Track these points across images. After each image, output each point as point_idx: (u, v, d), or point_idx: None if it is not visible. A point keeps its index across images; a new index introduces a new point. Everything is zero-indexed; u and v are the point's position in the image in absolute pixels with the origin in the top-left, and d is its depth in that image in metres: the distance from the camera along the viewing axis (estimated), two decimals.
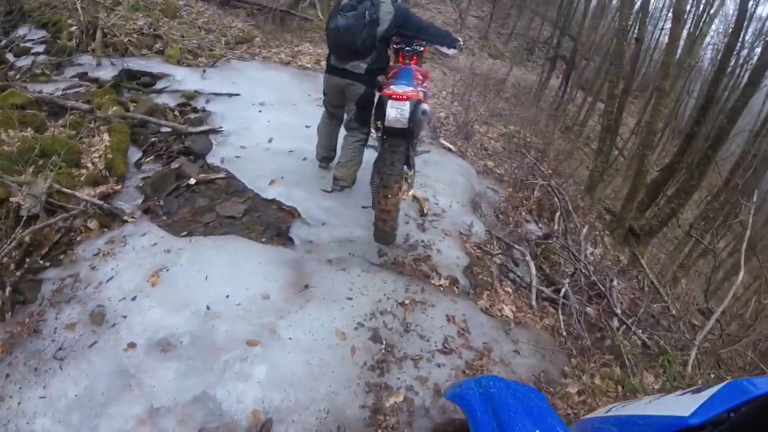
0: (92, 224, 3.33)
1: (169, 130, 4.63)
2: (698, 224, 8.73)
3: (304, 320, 2.82)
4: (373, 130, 3.93)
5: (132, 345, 2.54)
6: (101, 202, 3.43)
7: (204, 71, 6.22)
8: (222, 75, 6.27)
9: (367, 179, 3.75)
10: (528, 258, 3.99)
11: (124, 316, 2.69)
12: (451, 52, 3.92)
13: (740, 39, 13.37)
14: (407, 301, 3.14)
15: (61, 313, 2.71)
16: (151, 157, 4.27)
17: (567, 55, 18.94)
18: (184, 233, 3.40)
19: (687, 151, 9.07)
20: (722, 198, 8.64)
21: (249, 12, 9.88)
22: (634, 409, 1.28)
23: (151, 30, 6.84)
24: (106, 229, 3.36)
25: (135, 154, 4.27)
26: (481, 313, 3.28)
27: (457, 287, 3.45)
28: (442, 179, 4.79)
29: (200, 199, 3.80)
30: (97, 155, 3.93)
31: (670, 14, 17.42)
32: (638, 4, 12.42)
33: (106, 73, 5.60)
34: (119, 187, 3.79)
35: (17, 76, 5.20)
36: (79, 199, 3.37)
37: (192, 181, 3.92)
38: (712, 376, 3.46)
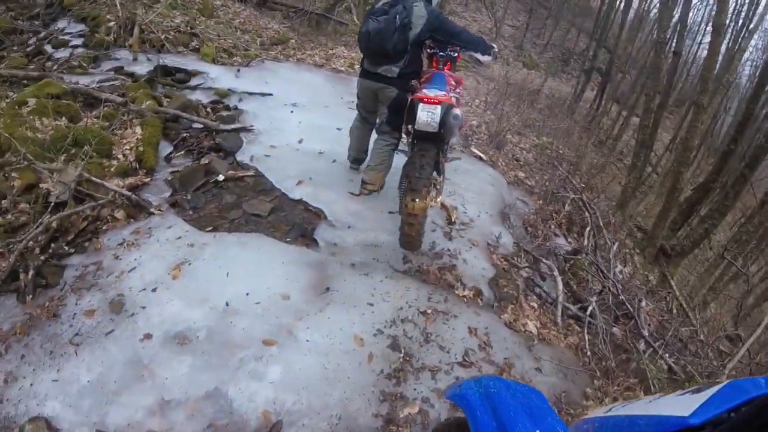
0: (119, 214, 3.36)
1: (200, 126, 4.67)
2: (731, 246, 8.45)
3: (323, 323, 2.78)
4: (403, 135, 3.89)
5: (148, 336, 2.54)
6: (129, 193, 3.46)
7: (238, 70, 6.27)
8: (256, 75, 6.31)
9: (395, 184, 3.71)
10: (555, 273, 3.89)
11: (143, 307, 2.69)
12: (485, 58, 3.88)
13: None
14: (429, 311, 3.07)
15: (81, 300, 2.73)
16: (182, 152, 4.30)
17: (603, 67, 18.64)
18: (209, 228, 3.40)
19: (723, 170, 8.79)
20: (757, 220, 8.34)
21: (285, 14, 9.99)
22: (634, 409, 1.24)
23: (188, 28, 6.95)
24: (132, 220, 3.39)
25: (166, 148, 4.31)
26: (505, 327, 3.19)
27: (481, 299, 3.37)
28: (471, 188, 4.72)
29: (227, 195, 3.81)
30: (128, 147, 3.98)
31: (708, 28, 17.12)
32: (677, 16, 12.16)
33: (142, 68, 5.69)
34: (148, 179, 3.83)
35: (54, 67, 5.33)
36: (107, 189, 3.40)
37: (221, 177, 3.94)
38: None
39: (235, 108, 5.28)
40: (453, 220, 4.07)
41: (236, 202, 3.73)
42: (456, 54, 3.87)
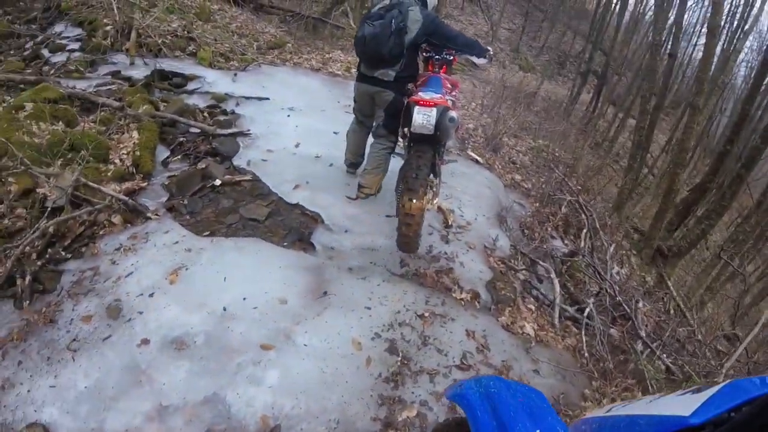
0: (116, 219, 3.36)
1: (197, 130, 4.67)
2: (728, 247, 8.47)
3: (321, 327, 2.78)
4: (400, 139, 3.90)
5: (146, 341, 2.54)
6: (126, 198, 3.46)
7: (235, 75, 6.27)
8: (252, 79, 6.32)
9: (392, 188, 3.72)
10: (553, 275, 3.89)
11: (141, 312, 2.69)
12: (481, 61, 3.90)
13: None
14: (427, 314, 3.07)
15: (78, 305, 2.72)
16: (179, 157, 4.30)
17: (599, 69, 18.70)
18: (207, 233, 3.40)
19: (719, 171, 8.82)
20: (753, 220, 8.36)
21: (282, 18, 9.99)
22: (635, 408, 1.24)
23: (185, 32, 6.95)
24: (129, 225, 3.38)
25: (163, 152, 4.31)
26: (502, 329, 3.19)
27: (478, 302, 3.37)
28: (468, 191, 4.73)
29: (224, 200, 3.81)
30: (125, 152, 3.98)
31: (703, 29, 17.20)
32: (672, 18, 12.20)
33: (139, 72, 5.69)
34: (145, 184, 3.83)
35: (51, 72, 5.32)
36: (104, 194, 3.40)
37: (217, 182, 3.94)
38: None
39: (232, 112, 5.29)
40: (450, 223, 4.07)
41: (233, 207, 3.73)
42: (452, 57, 3.90)
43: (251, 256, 3.23)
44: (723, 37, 15.22)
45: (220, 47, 7.00)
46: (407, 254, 3.56)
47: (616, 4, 19.30)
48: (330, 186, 4.14)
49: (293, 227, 3.63)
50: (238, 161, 4.33)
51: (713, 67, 11.57)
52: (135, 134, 4.17)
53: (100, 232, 3.27)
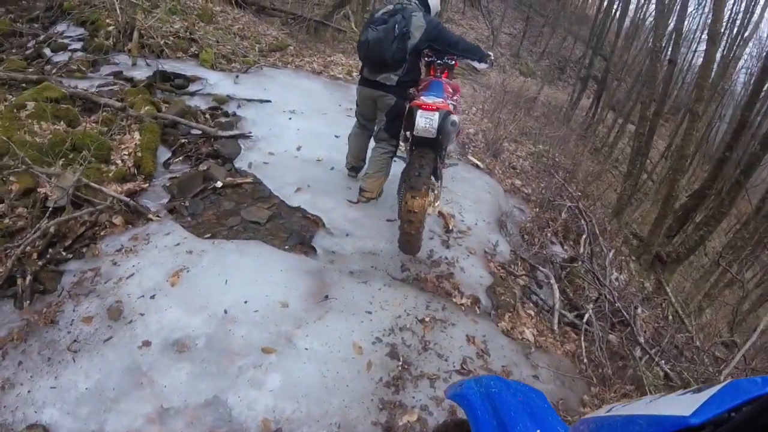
0: (117, 220, 3.35)
1: (199, 132, 4.67)
2: (726, 253, 8.48)
3: (322, 331, 2.78)
4: (401, 143, 3.92)
5: (147, 343, 2.53)
6: (127, 199, 3.46)
7: (237, 76, 6.28)
8: (254, 81, 6.32)
9: (394, 192, 3.73)
10: (552, 281, 3.90)
11: (142, 314, 2.68)
12: (482, 66, 3.93)
13: None
14: (427, 319, 3.08)
15: (79, 306, 2.71)
16: (180, 158, 4.30)
17: (599, 75, 18.78)
18: (208, 235, 3.40)
19: (718, 177, 8.84)
20: (752, 226, 8.38)
21: (284, 21, 10.01)
22: (635, 408, 1.24)
23: (187, 34, 6.96)
24: (130, 226, 3.37)
25: (164, 154, 4.31)
26: (502, 335, 3.20)
27: (478, 307, 3.38)
28: (468, 196, 4.74)
29: (226, 202, 3.81)
30: (126, 152, 3.98)
31: (703, 36, 17.25)
32: (672, 24, 12.25)
33: (141, 73, 5.69)
34: (146, 185, 3.82)
35: (53, 71, 5.32)
36: (105, 195, 3.39)
37: (219, 184, 3.94)
38: None
39: (234, 114, 5.29)
40: (450, 228, 4.08)
41: (234, 209, 3.73)
42: (453, 62, 3.94)
43: (252, 258, 3.23)
44: (723, 43, 15.24)
45: (222, 49, 7.00)
46: (408, 259, 3.57)
47: (616, 10, 19.40)
48: (331, 189, 4.14)
49: (294, 230, 3.63)
50: (240, 163, 4.33)
51: (713, 73, 11.60)
52: (136, 135, 4.17)
53: (101, 233, 3.26)
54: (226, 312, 2.77)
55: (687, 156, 9.18)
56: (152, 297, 2.80)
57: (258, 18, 9.65)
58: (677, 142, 12.60)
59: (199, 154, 4.35)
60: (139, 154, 3.95)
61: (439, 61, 3.91)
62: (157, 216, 3.50)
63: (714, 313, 8.97)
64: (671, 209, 8.52)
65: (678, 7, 11.65)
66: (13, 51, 5.83)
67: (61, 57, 5.78)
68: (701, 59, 9.44)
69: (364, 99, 3.88)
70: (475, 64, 3.92)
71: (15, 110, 3.90)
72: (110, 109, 4.41)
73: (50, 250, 3.03)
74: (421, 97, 3.40)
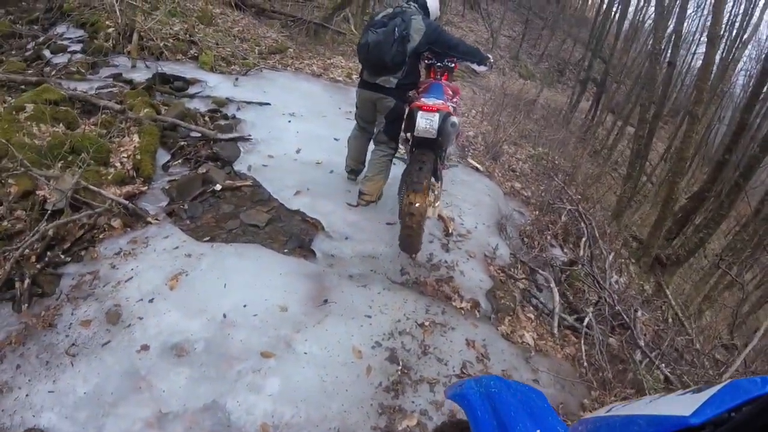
0: (116, 223, 3.34)
1: (198, 135, 4.66)
2: (726, 255, 8.48)
3: (321, 335, 2.77)
4: (401, 146, 3.92)
5: (145, 347, 2.52)
6: (126, 202, 3.45)
7: (236, 79, 6.27)
8: (254, 84, 6.32)
9: (393, 195, 3.73)
10: (552, 284, 3.89)
11: (140, 318, 2.68)
12: (481, 69, 3.96)
13: None
14: (427, 323, 3.07)
15: (77, 309, 2.70)
16: (179, 161, 4.29)
17: (598, 77, 18.80)
18: (207, 239, 3.39)
19: (717, 179, 8.84)
20: (751, 228, 8.38)
21: (283, 23, 10.00)
22: (635, 408, 1.24)
23: (187, 36, 6.96)
24: (129, 229, 3.37)
25: (163, 156, 4.30)
26: (502, 338, 3.19)
27: (478, 311, 3.37)
28: (468, 199, 4.74)
29: (225, 205, 3.80)
30: (125, 155, 3.97)
31: (702, 38, 17.29)
32: (671, 27, 12.26)
33: (140, 75, 5.69)
34: (145, 188, 3.81)
35: (53, 73, 5.31)
36: (104, 197, 3.38)
37: (218, 187, 3.93)
38: None
39: (233, 117, 5.28)
40: (450, 231, 4.08)
41: (234, 212, 3.72)
42: (453, 65, 3.97)
43: (252, 262, 3.22)
44: (722, 45, 15.29)
45: (222, 51, 7.00)
46: (408, 263, 3.57)
47: (615, 13, 19.45)
48: (331, 192, 4.14)
49: (294, 234, 3.62)
50: (239, 166, 4.33)
51: (712, 75, 11.61)
52: (136, 138, 4.16)
53: (100, 236, 3.25)
54: (225, 316, 2.76)
55: (686, 158, 9.18)
56: (151, 301, 2.79)
57: (258, 20, 9.65)
58: (676, 145, 12.61)
59: (198, 157, 4.34)
60: (138, 157, 3.94)
61: (439, 64, 3.94)
62: (156, 219, 3.50)
63: (714, 315, 8.97)
64: (671, 212, 8.52)
65: (677, 9, 11.67)
66: (13, 52, 5.84)
67: (61, 59, 5.78)
68: (700, 61, 9.46)
69: (364, 101, 3.88)
70: (475, 66, 3.94)
71: (14, 112, 3.90)
72: (109, 111, 4.40)
73: (49, 253, 3.02)
74: (422, 99, 3.44)
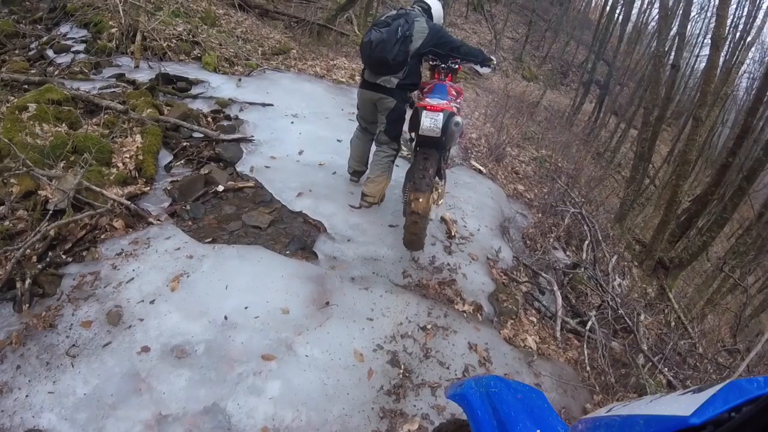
0: (118, 223, 3.33)
1: (201, 135, 4.66)
2: (729, 258, 8.44)
3: (323, 338, 2.76)
4: (403, 147, 3.92)
5: (146, 349, 2.51)
6: (128, 202, 3.44)
7: (239, 80, 6.28)
8: (257, 84, 6.32)
9: (395, 197, 3.73)
10: (555, 287, 3.87)
11: (141, 319, 2.67)
12: (484, 70, 3.97)
13: None
14: (429, 326, 3.06)
15: (78, 310, 2.69)
16: (182, 162, 4.29)
17: (601, 79, 18.77)
18: (209, 240, 3.38)
19: (721, 182, 8.80)
20: (754, 232, 8.35)
21: (287, 24, 10.01)
22: (635, 408, 1.22)
23: (190, 36, 6.96)
24: (130, 230, 3.36)
25: (166, 157, 4.29)
26: (504, 342, 3.17)
27: (481, 314, 3.35)
28: (471, 201, 4.72)
29: (227, 206, 3.79)
30: (128, 155, 3.96)
31: (706, 40, 17.25)
32: (675, 29, 12.25)
33: (143, 75, 5.69)
34: (148, 188, 3.81)
35: (56, 73, 5.32)
36: (106, 198, 3.38)
37: (220, 188, 3.93)
38: None
39: (236, 118, 5.28)
40: (453, 234, 4.07)
41: (236, 214, 3.72)
42: (457, 66, 3.99)
43: (253, 264, 3.21)
44: (726, 48, 15.23)
45: (225, 52, 7.01)
46: (410, 265, 3.56)
47: (619, 15, 19.38)
48: (333, 194, 4.13)
49: (296, 235, 3.61)
50: (242, 167, 4.32)
51: (716, 78, 11.57)
52: (138, 138, 4.16)
53: (102, 236, 3.25)
54: (226, 318, 2.75)
55: (690, 161, 9.13)
56: (152, 302, 2.78)
57: (261, 21, 9.65)
58: (680, 147, 12.57)
59: (200, 158, 4.34)
60: (141, 157, 3.94)
61: (443, 66, 3.96)
62: (158, 220, 3.49)
63: (717, 318, 8.95)
64: (674, 215, 8.48)
65: (681, 11, 11.64)
66: (16, 52, 5.85)
67: (64, 59, 5.79)
68: (704, 64, 9.44)
69: (365, 102, 3.89)
70: (478, 68, 3.95)
71: (17, 112, 3.89)
72: (112, 111, 4.40)
73: (50, 253, 3.02)
74: (426, 99, 3.49)
